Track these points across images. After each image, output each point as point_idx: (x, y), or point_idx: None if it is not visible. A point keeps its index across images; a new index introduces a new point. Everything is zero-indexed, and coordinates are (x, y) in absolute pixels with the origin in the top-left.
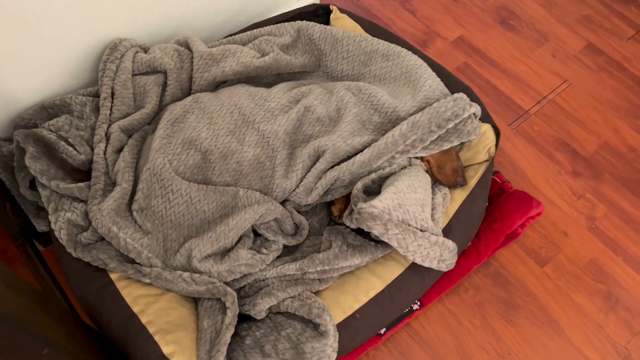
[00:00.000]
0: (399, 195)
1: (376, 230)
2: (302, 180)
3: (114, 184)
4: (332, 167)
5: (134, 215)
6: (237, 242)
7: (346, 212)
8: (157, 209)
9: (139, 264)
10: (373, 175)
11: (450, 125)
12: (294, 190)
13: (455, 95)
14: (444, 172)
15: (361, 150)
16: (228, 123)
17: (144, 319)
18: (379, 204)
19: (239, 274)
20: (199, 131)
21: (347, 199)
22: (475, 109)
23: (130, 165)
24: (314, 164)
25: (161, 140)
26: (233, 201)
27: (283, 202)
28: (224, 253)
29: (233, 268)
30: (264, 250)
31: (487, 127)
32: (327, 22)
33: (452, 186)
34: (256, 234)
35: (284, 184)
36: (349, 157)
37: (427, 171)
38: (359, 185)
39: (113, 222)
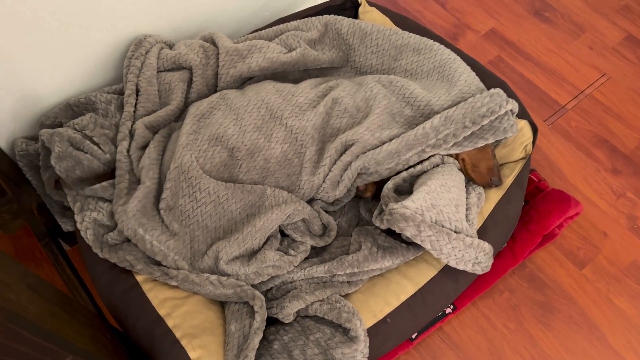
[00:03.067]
0: (432, 195)
1: (408, 232)
2: (328, 174)
3: (138, 182)
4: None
5: (161, 214)
6: (265, 243)
7: (375, 212)
8: (185, 209)
9: (165, 266)
10: (404, 174)
11: (485, 121)
12: (321, 185)
13: (492, 90)
14: (478, 171)
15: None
16: (255, 119)
17: (170, 323)
18: (411, 204)
19: (267, 276)
20: (226, 127)
21: (376, 185)
22: (513, 105)
23: (156, 162)
24: (340, 156)
25: (188, 136)
26: (260, 200)
27: (310, 202)
28: (251, 255)
29: (261, 270)
30: (292, 252)
31: (524, 124)
32: (355, 15)
33: (487, 186)
34: (283, 234)
35: (312, 180)
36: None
37: (460, 169)
38: (390, 184)
39: (139, 225)
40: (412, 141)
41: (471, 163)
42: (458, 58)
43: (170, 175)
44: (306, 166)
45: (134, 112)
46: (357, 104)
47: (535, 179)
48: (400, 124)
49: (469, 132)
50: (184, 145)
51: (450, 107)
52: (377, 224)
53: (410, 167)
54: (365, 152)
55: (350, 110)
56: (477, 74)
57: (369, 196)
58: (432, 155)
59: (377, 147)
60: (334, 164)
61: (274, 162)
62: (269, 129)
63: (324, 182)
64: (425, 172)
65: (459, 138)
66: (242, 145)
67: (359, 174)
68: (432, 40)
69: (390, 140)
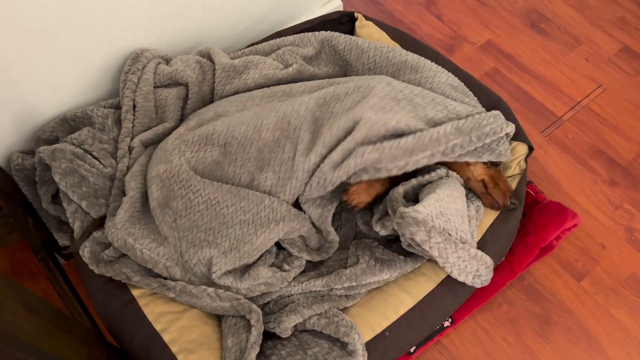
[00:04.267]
0: (441, 203)
1: (418, 237)
2: (327, 156)
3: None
4: (369, 143)
5: (152, 214)
6: (259, 258)
7: (376, 217)
8: (177, 210)
9: (163, 277)
10: (414, 181)
11: (487, 140)
12: (319, 166)
13: (494, 112)
14: (499, 189)
15: (398, 134)
16: (244, 112)
17: (166, 338)
18: (422, 209)
19: (258, 293)
20: (214, 125)
21: (370, 197)
22: (511, 128)
23: (141, 172)
24: (345, 137)
25: (174, 141)
26: (256, 208)
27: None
28: (244, 269)
29: (252, 287)
30: (286, 267)
31: (517, 143)
32: (352, 29)
33: (502, 207)
34: (280, 246)
35: (308, 161)
36: (384, 137)
37: (463, 185)
38: (400, 189)
39: (128, 234)
40: (427, 143)
41: (492, 182)
42: (457, 81)
43: (159, 178)
44: (300, 148)
45: (132, 127)
46: (358, 85)
47: (532, 191)
48: (406, 110)
49: (473, 147)
50: (170, 150)
51: (459, 117)
52: (378, 229)
53: (418, 174)
54: (376, 143)
55: (351, 94)
56: (473, 91)
57: (361, 207)
58: (439, 167)
59: (384, 136)
60: (337, 143)
61: (268, 151)
62: (259, 118)
63: (322, 162)
64: (431, 182)
65: (464, 151)
66: (233, 139)
67: (364, 168)
68: (430, 61)
69: (396, 127)
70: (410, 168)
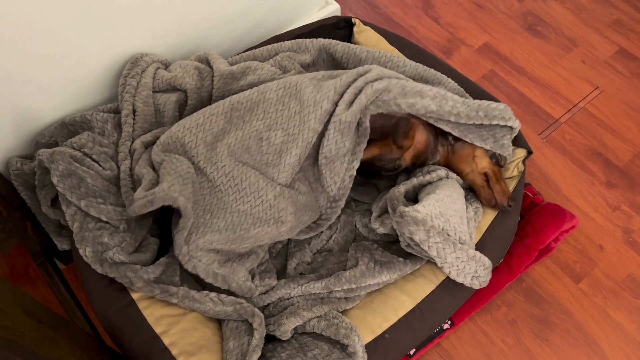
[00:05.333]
0: (440, 204)
1: (417, 237)
2: (342, 96)
3: None
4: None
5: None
6: (247, 255)
7: (374, 215)
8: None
9: (165, 283)
10: (414, 181)
11: (495, 122)
12: (334, 109)
13: (502, 103)
14: (501, 186)
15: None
16: (245, 96)
17: (166, 341)
18: (422, 209)
19: (225, 288)
20: (218, 104)
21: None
22: (517, 124)
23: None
24: (354, 81)
25: (178, 124)
26: (259, 196)
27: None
28: (228, 259)
29: (228, 279)
30: (256, 281)
31: (516, 148)
32: (349, 34)
33: (500, 206)
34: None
35: (317, 97)
36: None
37: (462, 185)
38: (402, 188)
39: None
40: (435, 92)
41: (495, 177)
42: (458, 88)
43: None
44: (307, 92)
45: (132, 132)
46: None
47: (530, 193)
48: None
49: (479, 122)
50: (176, 128)
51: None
52: (376, 226)
53: (419, 174)
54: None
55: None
56: (473, 95)
57: (407, 164)
58: (439, 168)
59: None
60: (347, 86)
61: (273, 110)
62: (263, 87)
63: (337, 103)
64: (431, 183)
65: (470, 121)
66: (239, 104)
67: (374, 101)
68: (429, 69)
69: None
70: (421, 111)
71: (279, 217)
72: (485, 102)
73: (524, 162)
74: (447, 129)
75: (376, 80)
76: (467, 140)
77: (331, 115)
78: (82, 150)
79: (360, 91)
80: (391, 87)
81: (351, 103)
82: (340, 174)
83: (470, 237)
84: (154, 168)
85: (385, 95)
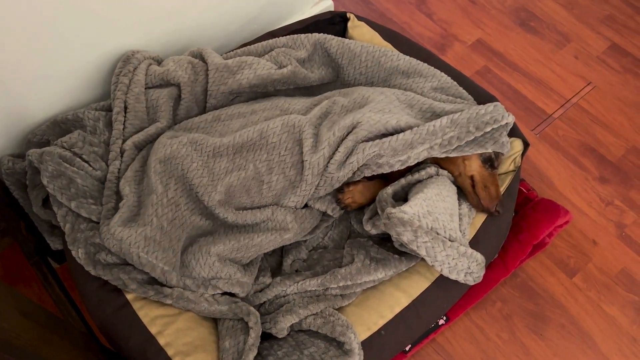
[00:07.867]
0: (428, 203)
1: (405, 237)
2: (333, 156)
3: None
4: (368, 140)
5: (153, 206)
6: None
7: (366, 216)
8: (176, 201)
9: (159, 285)
10: (403, 181)
11: (488, 129)
12: (327, 165)
13: (494, 102)
14: (488, 192)
15: (398, 131)
16: (246, 124)
17: (162, 341)
18: (409, 209)
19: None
20: (212, 135)
21: (363, 197)
22: (511, 118)
23: (139, 174)
24: (346, 136)
25: (168, 138)
26: (262, 214)
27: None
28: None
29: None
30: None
31: (514, 139)
32: (344, 30)
33: (487, 210)
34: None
35: (314, 158)
36: (384, 136)
37: (454, 183)
38: (390, 190)
39: (123, 238)
40: (424, 136)
41: (482, 183)
42: (450, 80)
43: (158, 169)
44: (306, 145)
45: (123, 129)
46: (356, 100)
47: (524, 189)
48: (405, 112)
49: (472, 137)
50: (165, 140)
51: (452, 110)
52: (368, 228)
53: (407, 174)
54: (375, 140)
55: (348, 106)
56: (467, 90)
57: (354, 207)
58: (429, 166)
59: (385, 134)
60: (339, 143)
61: (276, 154)
62: (266, 120)
63: (329, 161)
64: (420, 181)
65: (462, 142)
66: (236, 143)
67: (366, 164)
68: (422, 63)
69: (396, 126)
70: (412, 162)
71: (282, 227)
72: (473, 110)
73: (522, 156)
74: (442, 156)
75: (367, 140)
76: (467, 154)
77: (324, 168)
78: (72, 149)
79: (351, 152)
80: (382, 152)
81: (342, 163)
82: (331, 205)
83: (464, 233)
84: (141, 181)
85: (377, 159)
